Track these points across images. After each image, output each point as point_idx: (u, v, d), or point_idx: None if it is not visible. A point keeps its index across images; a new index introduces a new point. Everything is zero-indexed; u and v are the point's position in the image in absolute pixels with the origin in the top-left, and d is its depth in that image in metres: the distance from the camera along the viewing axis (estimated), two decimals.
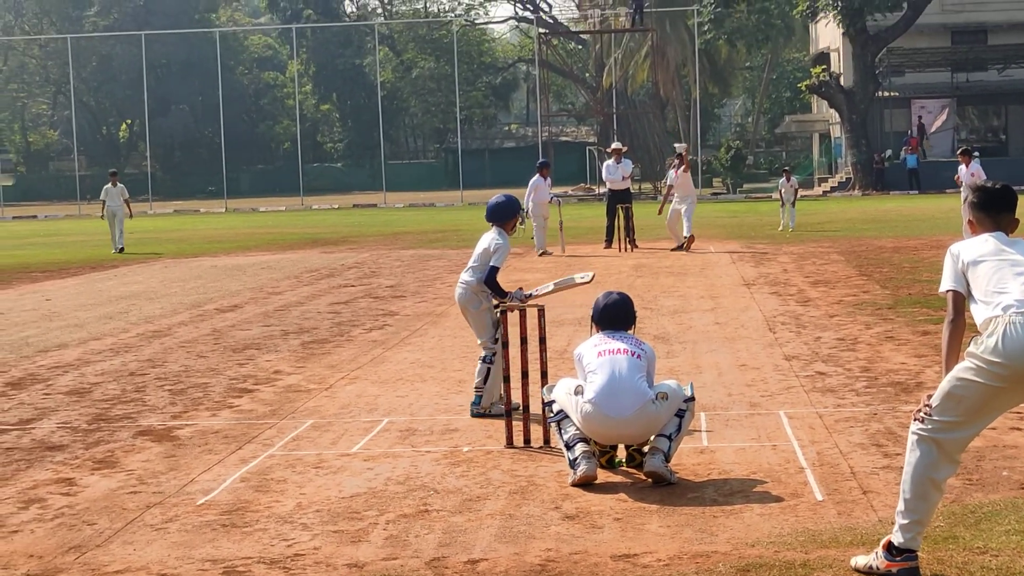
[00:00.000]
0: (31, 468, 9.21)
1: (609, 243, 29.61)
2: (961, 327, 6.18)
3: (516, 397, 9.79)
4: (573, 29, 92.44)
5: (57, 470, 9.14)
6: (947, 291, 6.26)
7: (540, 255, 27.66)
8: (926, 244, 27.21)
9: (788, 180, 35.50)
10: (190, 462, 9.25)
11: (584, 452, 8.21)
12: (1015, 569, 6.17)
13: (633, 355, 8.43)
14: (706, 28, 69.77)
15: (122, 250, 33.64)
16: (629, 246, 28.83)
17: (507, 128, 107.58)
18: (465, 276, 10.81)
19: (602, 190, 45.28)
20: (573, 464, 8.22)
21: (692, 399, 8.42)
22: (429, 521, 7.48)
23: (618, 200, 29.60)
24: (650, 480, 8.14)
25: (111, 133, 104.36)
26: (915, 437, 6.13)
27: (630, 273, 23.04)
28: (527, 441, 9.36)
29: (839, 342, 13.91)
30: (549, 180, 29.74)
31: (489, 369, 10.51)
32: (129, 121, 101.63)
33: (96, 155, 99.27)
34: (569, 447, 8.31)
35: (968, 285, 6.19)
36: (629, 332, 8.78)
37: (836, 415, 10.11)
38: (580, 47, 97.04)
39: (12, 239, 44.21)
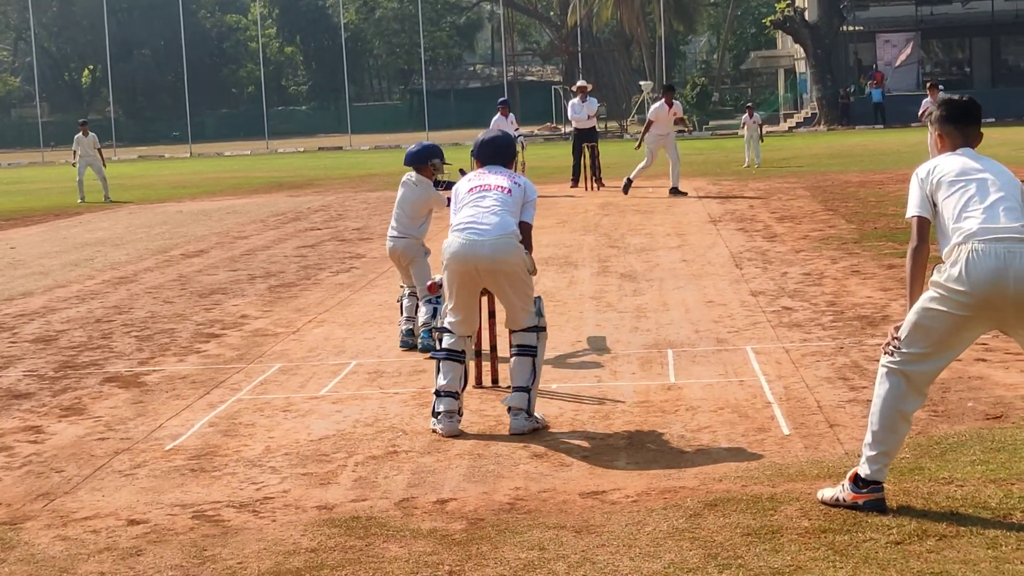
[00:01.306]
0: None
1: (575, 182, 29.56)
2: (925, 254, 6.17)
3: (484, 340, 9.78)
4: None
5: (24, 418, 9.11)
6: (912, 217, 6.22)
7: None
8: (891, 178, 27.26)
9: (751, 116, 35.45)
10: (158, 408, 9.23)
11: (447, 411, 8.05)
12: (980, 499, 6.22)
13: (504, 190, 8.28)
14: None
15: (105, 200, 33.03)
16: (595, 184, 28.79)
17: (472, 68, 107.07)
18: (401, 229, 10.92)
19: (568, 129, 45.11)
20: (435, 415, 8.13)
21: (542, 329, 8.24)
22: (398, 462, 7.49)
23: (584, 139, 29.52)
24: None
25: (73, 79, 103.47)
26: (884, 370, 6.15)
27: (597, 212, 23.02)
28: (495, 381, 9.38)
29: (805, 277, 13.95)
30: (512, 118, 29.49)
31: (436, 309, 10.49)
32: (91, 67, 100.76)
33: (59, 101, 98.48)
34: (437, 395, 8.13)
35: (935, 208, 6.17)
36: (508, 168, 8.59)
37: (803, 350, 10.14)
38: None
39: None
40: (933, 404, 8.13)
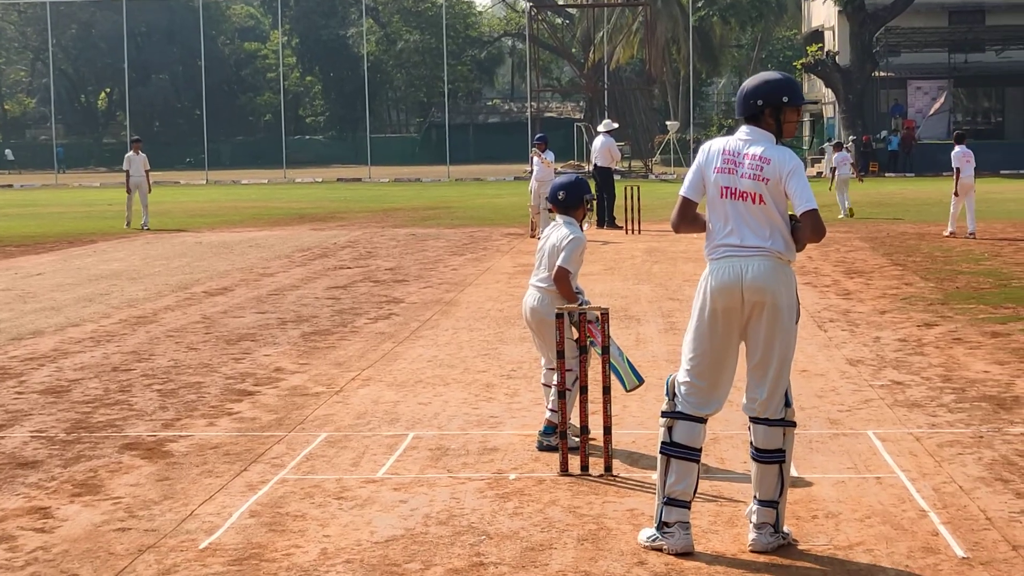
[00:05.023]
0: (0, 493, 7.79)
1: (601, 223, 28.54)
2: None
3: (576, 417, 8.35)
4: (563, 3, 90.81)
5: (30, 495, 7.70)
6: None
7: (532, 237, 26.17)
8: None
9: (839, 154, 32.79)
10: (187, 487, 7.82)
11: (681, 521, 6.45)
12: None
13: None
14: (700, 4, 68.33)
15: (147, 227, 31.57)
16: (606, 225, 28.62)
17: (491, 103, 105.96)
18: (538, 281, 8.89)
19: (590, 167, 43.72)
20: (660, 527, 6.50)
21: (792, 424, 6.73)
22: None
23: (604, 177, 29.11)
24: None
25: (90, 102, 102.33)
26: None
27: (644, 258, 21.62)
28: (584, 468, 7.95)
29: (902, 344, 12.52)
30: (550, 155, 27.74)
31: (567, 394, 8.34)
32: (108, 90, 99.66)
33: (74, 123, 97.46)
34: (668, 503, 6.49)
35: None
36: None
37: (935, 438, 8.70)
38: (567, 22, 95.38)
39: None
40: None
